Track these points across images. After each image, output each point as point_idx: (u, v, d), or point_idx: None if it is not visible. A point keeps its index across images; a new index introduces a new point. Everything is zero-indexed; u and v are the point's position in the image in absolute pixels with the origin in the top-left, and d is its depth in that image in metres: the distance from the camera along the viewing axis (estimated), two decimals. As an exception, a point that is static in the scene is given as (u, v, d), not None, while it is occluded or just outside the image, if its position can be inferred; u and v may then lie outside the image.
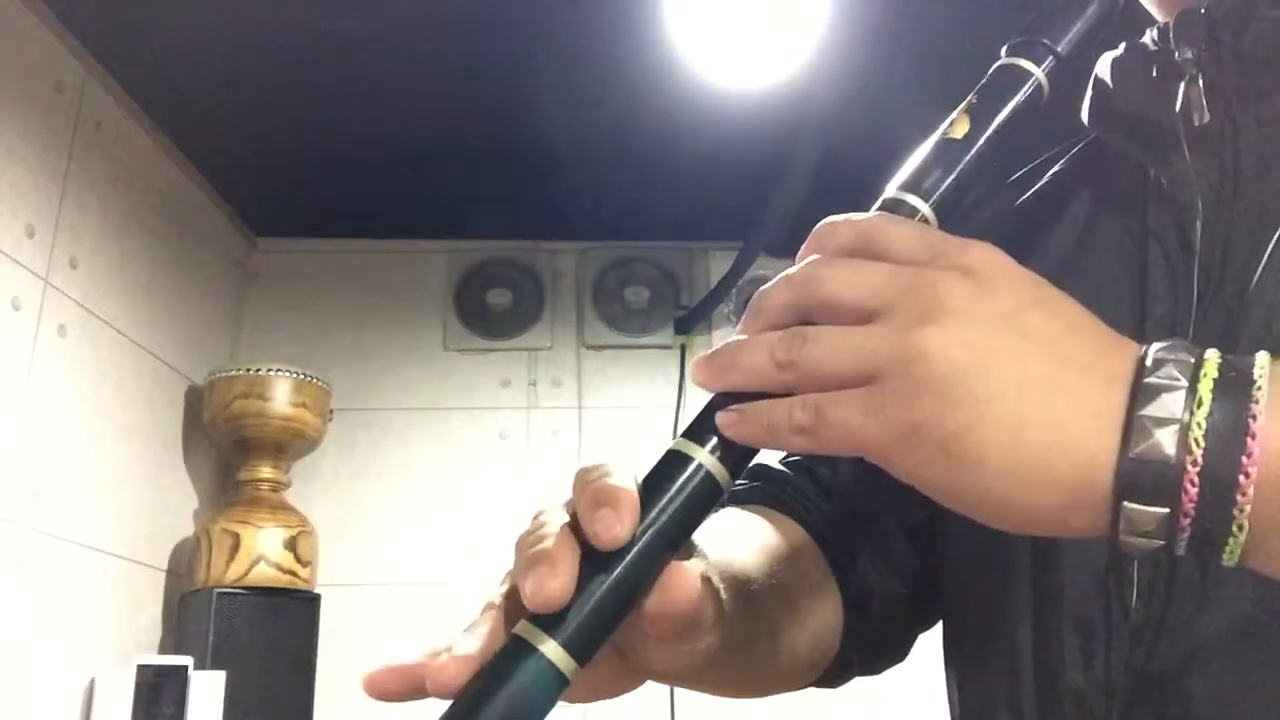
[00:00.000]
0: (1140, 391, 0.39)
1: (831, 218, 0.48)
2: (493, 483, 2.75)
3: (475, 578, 2.66)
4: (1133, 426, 0.38)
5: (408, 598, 2.63)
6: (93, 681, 2.05)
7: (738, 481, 0.79)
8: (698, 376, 0.48)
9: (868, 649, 0.70)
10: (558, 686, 0.41)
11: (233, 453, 2.47)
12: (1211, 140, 0.57)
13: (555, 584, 0.41)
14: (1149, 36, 0.61)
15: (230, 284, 2.77)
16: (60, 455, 1.99)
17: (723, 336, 2.86)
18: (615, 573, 0.42)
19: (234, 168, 2.56)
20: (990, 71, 0.52)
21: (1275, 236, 0.53)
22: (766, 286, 0.48)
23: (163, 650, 2.33)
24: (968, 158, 0.50)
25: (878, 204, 0.50)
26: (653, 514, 0.44)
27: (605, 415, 2.82)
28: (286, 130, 2.41)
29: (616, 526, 0.42)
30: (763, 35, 2.04)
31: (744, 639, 0.55)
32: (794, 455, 0.75)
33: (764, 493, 0.71)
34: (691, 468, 0.45)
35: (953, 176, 0.49)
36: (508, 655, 0.42)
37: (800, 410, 0.43)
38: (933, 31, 2.01)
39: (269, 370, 2.40)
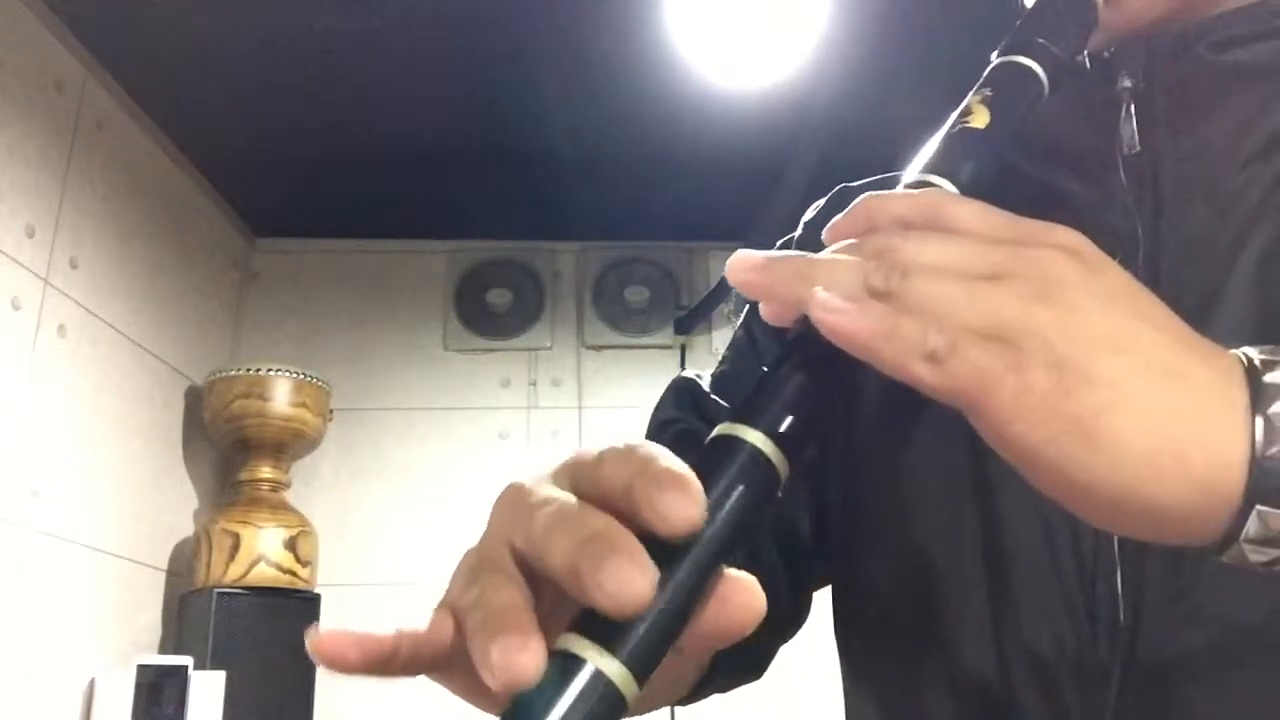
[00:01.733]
0: (1261, 391, 0.37)
1: (873, 193, 0.43)
2: (493, 483, 2.73)
3: (475, 578, 2.66)
4: (1267, 426, 0.37)
5: (408, 598, 2.63)
6: (93, 681, 2.05)
7: None
8: (743, 276, 0.40)
9: (732, 666, 0.62)
10: (620, 714, 0.34)
11: (233, 453, 2.47)
12: (1136, 168, 0.58)
13: (644, 582, 0.33)
14: (1080, 59, 0.60)
15: (230, 284, 2.77)
16: (60, 455, 1.99)
17: (723, 336, 2.87)
18: (679, 575, 0.35)
19: (234, 168, 2.57)
20: (994, 66, 0.51)
21: (1227, 270, 0.54)
22: (817, 255, 0.41)
23: (163, 650, 2.33)
24: (991, 148, 0.48)
25: (902, 188, 0.46)
26: (708, 509, 0.36)
27: (605, 415, 2.82)
28: (286, 130, 2.41)
29: (689, 509, 0.34)
30: (763, 35, 2.04)
31: None
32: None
33: None
34: (746, 453, 0.38)
35: (979, 165, 0.47)
36: (560, 675, 0.34)
37: (937, 334, 0.36)
38: (932, 31, 2.01)
39: (269, 370, 2.41)
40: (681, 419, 0.72)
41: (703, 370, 0.77)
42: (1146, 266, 0.56)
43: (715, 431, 0.39)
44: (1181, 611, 0.51)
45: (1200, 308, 0.53)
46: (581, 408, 2.82)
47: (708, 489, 0.36)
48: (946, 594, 0.58)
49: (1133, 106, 0.58)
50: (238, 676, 2.17)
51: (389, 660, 0.39)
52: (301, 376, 2.44)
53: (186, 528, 2.47)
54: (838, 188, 0.77)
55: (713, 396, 0.72)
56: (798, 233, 0.77)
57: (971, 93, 0.50)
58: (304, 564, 2.36)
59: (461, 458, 2.76)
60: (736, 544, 0.37)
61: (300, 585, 2.35)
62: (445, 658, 0.39)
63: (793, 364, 0.40)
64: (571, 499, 0.38)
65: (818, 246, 0.71)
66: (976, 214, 0.41)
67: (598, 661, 0.34)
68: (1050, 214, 0.59)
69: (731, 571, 0.37)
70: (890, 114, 2.27)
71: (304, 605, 2.35)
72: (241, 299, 2.82)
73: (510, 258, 2.89)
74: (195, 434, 2.49)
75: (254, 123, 2.39)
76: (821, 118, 2.14)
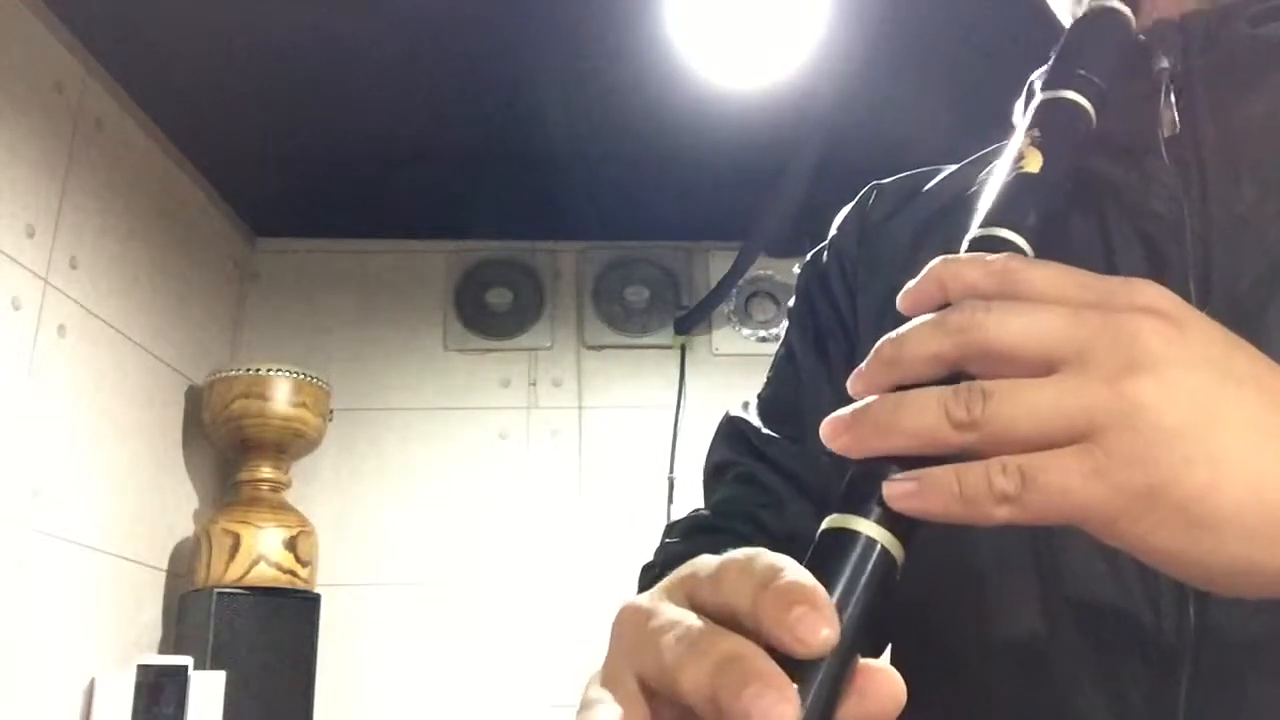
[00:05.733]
0: None
1: (945, 257, 0.43)
2: (493, 483, 2.75)
3: (475, 578, 2.66)
4: None
5: (408, 598, 2.63)
6: (93, 681, 2.05)
7: (667, 540, 0.72)
8: (840, 443, 0.40)
9: None
10: None
11: (233, 453, 2.47)
12: (1178, 150, 0.57)
13: (788, 710, 0.33)
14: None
15: (230, 284, 2.77)
16: (60, 455, 1.99)
17: (723, 336, 2.87)
18: (818, 684, 0.35)
19: (234, 168, 2.57)
20: (1039, 104, 0.51)
21: None
22: (900, 333, 0.41)
23: (163, 650, 2.33)
24: (1049, 191, 0.48)
25: (967, 244, 0.46)
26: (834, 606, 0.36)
27: (605, 415, 2.82)
28: (286, 130, 2.41)
29: (824, 628, 0.34)
30: (763, 35, 2.04)
31: None
32: (731, 504, 0.69)
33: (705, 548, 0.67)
34: (862, 546, 0.38)
35: (1040, 210, 0.46)
36: None
37: (1001, 475, 0.37)
38: (932, 32, 2.01)
39: (269, 370, 2.41)
40: (738, 460, 0.72)
41: (746, 401, 0.76)
42: (1196, 249, 0.55)
43: (826, 524, 0.39)
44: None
45: (1258, 286, 0.53)
46: (581, 408, 2.82)
47: (830, 588, 0.36)
48: (995, 573, 0.57)
49: (1171, 88, 0.57)
50: (238, 676, 2.17)
51: None
52: (301, 376, 2.44)
53: (186, 528, 2.47)
54: (870, 185, 0.76)
55: (764, 431, 0.72)
56: (832, 232, 0.76)
57: (1020, 133, 0.50)
58: (304, 564, 2.36)
59: (461, 458, 2.76)
60: (868, 637, 0.37)
61: (300, 585, 2.35)
62: None
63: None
64: (695, 620, 0.37)
65: (852, 251, 0.70)
66: (1053, 278, 0.40)
67: None
68: (1094, 203, 0.57)
69: (868, 663, 0.37)
70: (890, 114, 2.27)
71: (304, 605, 2.35)
72: (241, 299, 2.82)
73: (510, 258, 2.89)
74: (195, 434, 2.49)
75: (254, 123, 2.39)
76: (821, 118, 2.14)
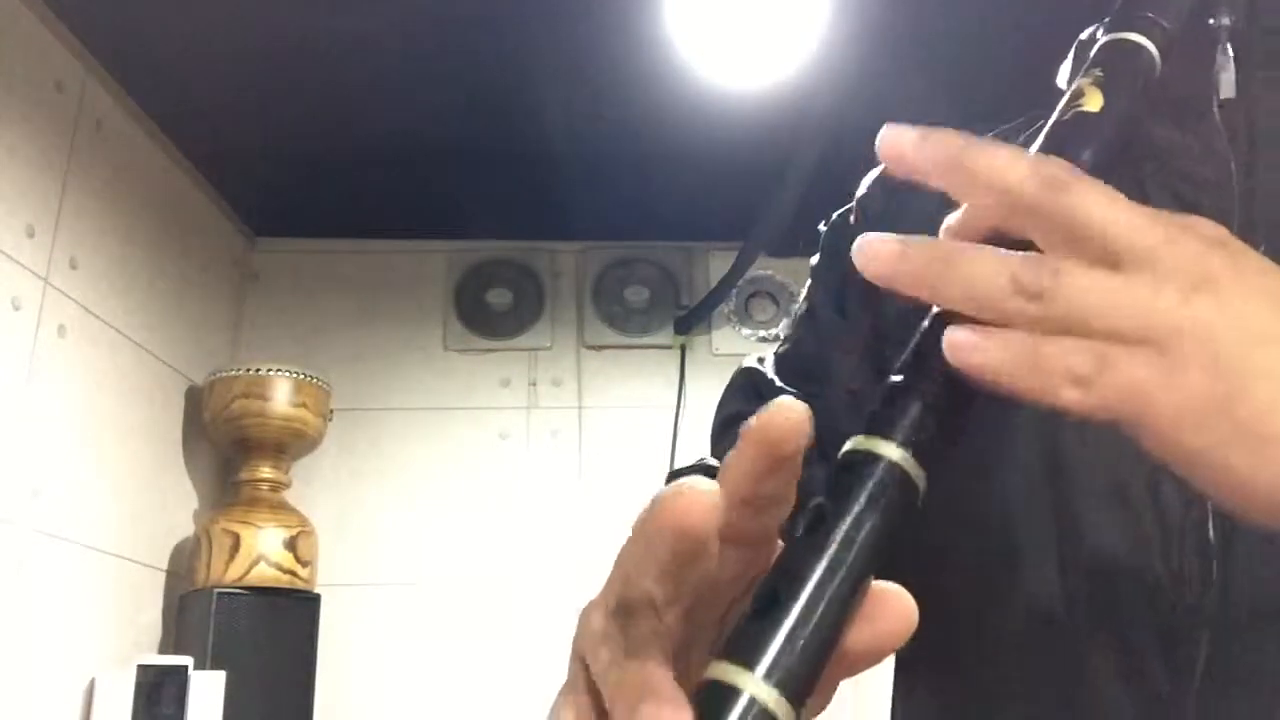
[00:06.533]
0: None
1: (996, 146, 0.39)
2: (493, 483, 2.75)
3: (475, 578, 2.66)
4: None
5: (408, 598, 2.63)
6: (93, 681, 2.05)
7: (678, 468, 0.71)
8: (879, 267, 0.38)
9: None
10: None
11: (233, 453, 2.47)
12: (1231, 115, 0.56)
13: None
14: None
15: (230, 284, 2.77)
16: (60, 455, 1.99)
17: (723, 336, 2.87)
18: (827, 600, 0.34)
19: (234, 168, 2.56)
20: (1101, 45, 0.49)
21: None
22: (989, 159, 0.38)
23: (163, 650, 2.33)
24: (1109, 131, 0.45)
25: None
26: (847, 527, 0.35)
27: (605, 415, 2.82)
28: (286, 130, 2.41)
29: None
30: (763, 35, 2.04)
31: None
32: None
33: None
34: (882, 470, 0.37)
35: (1098, 151, 0.44)
36: (713, 702, 0.33)
37: (1078, 354, 0.35)
38: (933, 31, 2.01)
39: (269, 370, 2.41)
40: (749, 412, 0.70)
41: (761, 356, 0.74)
42: (1242, 212, 0.54)
43: (848, 445, 0.38)
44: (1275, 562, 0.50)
45: None
46: (581, 408, 2.82)
47: (846, 510, 0.35)
48: (1016, 561, 0.56)
49: (1229, 48, 0.56)
50: (238, 676, 2.17)
51: None
52: (301, 376, 2.44)
53: (186, 528, 2.47)
54: None
55: (778, 384, 0.70)
56: (860, 192, 0.73)
57: (1080, 74, 0.47)
58: (304, 564, 2.36)
59: (461, 458, 2.76)
60: (880, 561, 0.36)
61: (300, 585, 2.35)
62: None
63: (920, 368, 0.38)
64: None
65: (877, 209, 0.69)
66: (1106, 193, 0.38)
67: (752, 689, 0.33)
68: (1129, 163, 0.55)
69: (881, 586, 0.36)
70: (890, 114, 2.26)
71: (304, 605, 2.35)
72: (241, 299, 2.82)
73: (510, 258, 2.89)
74: (195, 434, 2.49)
75: (254, 123, 2.39)
76: (821, 118, 2.14)
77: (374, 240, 2.86)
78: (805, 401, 0.36)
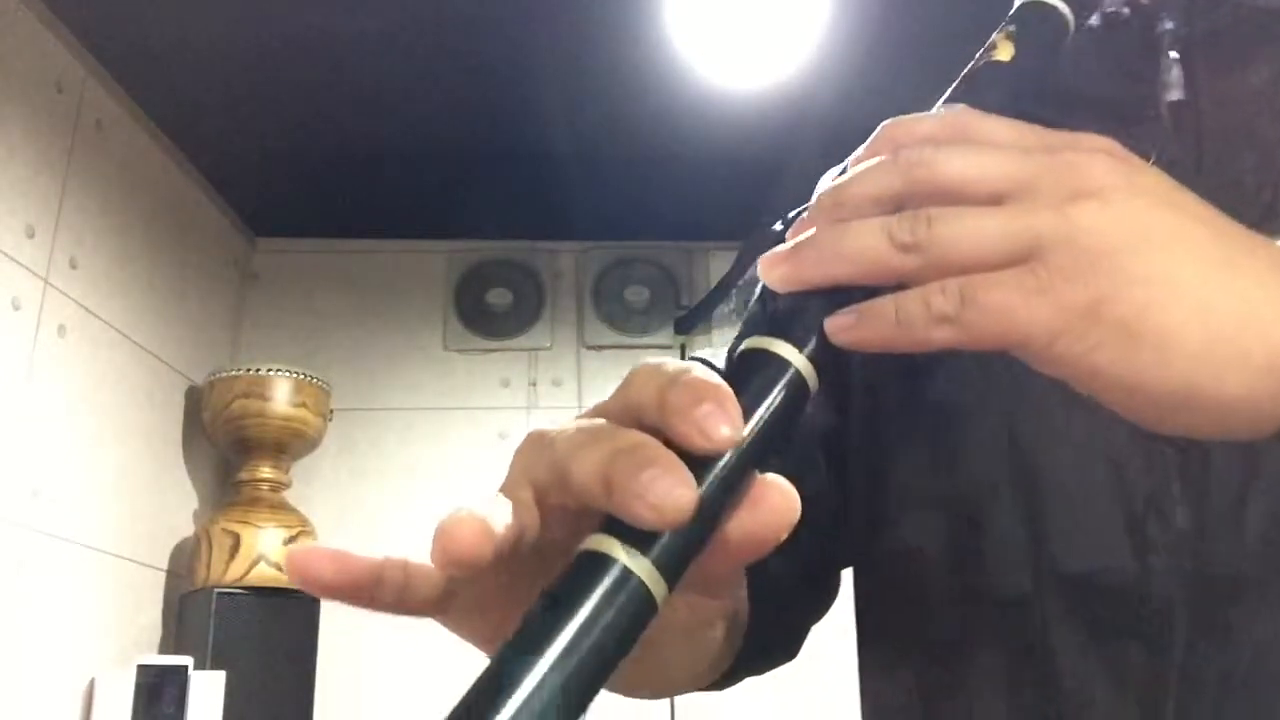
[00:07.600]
0: None
1: (898, 117, 0.42)
2: (493, 483, 2.74)
3: (475, 578, 2.66)
4: None
5: (408, 598, 2.63)
6: (93, 681, 2.05)
7: None
8: (777, 273, 0.39)
9: (767, 643, 0.62)
10: (650, 614, 0.34)
11: (233, 453, 2.47)
12: (1178, 116, 0.57)
13: (686, 495, 0.33)
14: (1117, 8, 0.60)
15: (230, 284, 2.77)
16: (60, 455, 1.99)
17: (723, 336, 2.87)
18: (710, 484, 0.35)
19: (234, 168, 2.57)
20: (1018, 6, 0.50)
21: None
22: (847, 177, 0.40)
23: (163, 650, 2.33)
24: (1017, 79, 0.47)
25: None
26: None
27: (605, 415, 2.81)
28: (286, 130, 2.41)
29: (725, 426, 0.34)
30: (763, 35, 2.04)
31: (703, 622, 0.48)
32: None
33: None
34: (775, 366, 0.38)
35: (1003, 95, 0.46)
36: (586, 570, 0.34)
37: (940, 295, 0.36)
38: (932, 31, 2.01)
39: (269, 370, 2.41)
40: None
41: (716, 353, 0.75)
42: None
43: (744, 345, 0.39)
44: (1244, 541, 0.49)
45: None
46: (581, 408, 2.77)
47: (738, 399, 0.36)
48: (984, 542, 0.55)
49: (1175, 53, 0.57)
50: (238, 676, 2.17)
51: (372, 587, 0.37)
52: (301, 376, 2.44)
53: (186, 528, 2.47)
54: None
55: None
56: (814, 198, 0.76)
57: (996, 31, 0.49)
58: (304, 564, 2.36)
59: (461, 458, 2.76)
60: (769, 454, 0.37)
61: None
62: (443, 597, 0.39)
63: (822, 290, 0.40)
64: (599, 420, 0.38)
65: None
66: (1007, 127, 0.40)
67: (627, 561, 0.33)
68: None
69: (765, 478, 0.37)
70: (890, 114, 2.27)
71: (304, 605, 2.35)
72: (241, 299, 2.82)
73: (510, 258, 2.89)
74: (195, 434, 2.49)
75: (254, 123, 2.39)
76: (821, 118, 2.15)
77: (374, 240, 2.86)
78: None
